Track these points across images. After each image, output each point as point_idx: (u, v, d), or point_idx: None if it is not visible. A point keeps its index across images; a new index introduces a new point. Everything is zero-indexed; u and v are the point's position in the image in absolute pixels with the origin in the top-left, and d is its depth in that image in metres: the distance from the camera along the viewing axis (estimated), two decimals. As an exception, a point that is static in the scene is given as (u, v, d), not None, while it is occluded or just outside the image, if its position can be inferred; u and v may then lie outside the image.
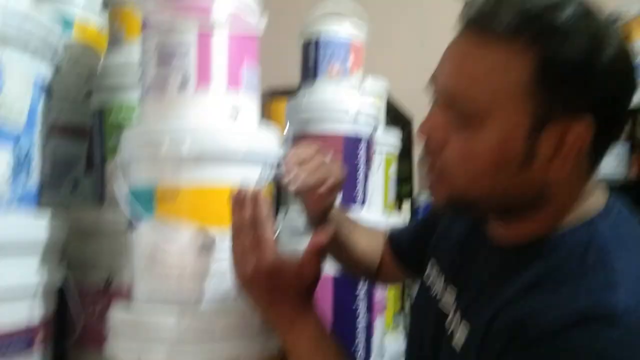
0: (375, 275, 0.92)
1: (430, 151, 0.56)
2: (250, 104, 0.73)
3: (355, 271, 0.96)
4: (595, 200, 0.55)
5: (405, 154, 3.01)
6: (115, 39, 1.02)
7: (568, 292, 0.48)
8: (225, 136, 0.67)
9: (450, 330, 0.60)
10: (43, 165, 0.81)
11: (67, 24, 1.10)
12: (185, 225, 0.66)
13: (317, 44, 1.34)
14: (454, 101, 0.52)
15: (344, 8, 1.35)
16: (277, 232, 0.74)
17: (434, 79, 0.56)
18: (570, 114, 0.49)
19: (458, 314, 0.60)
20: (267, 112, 2.00)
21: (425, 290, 0.72)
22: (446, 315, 0.63)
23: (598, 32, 0.49)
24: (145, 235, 0.67)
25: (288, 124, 1.38)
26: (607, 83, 0.49)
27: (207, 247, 0.67)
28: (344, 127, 1.30)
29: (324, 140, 1.30)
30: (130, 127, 0.72)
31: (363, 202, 1.35)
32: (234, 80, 0.71)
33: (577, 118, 0.49)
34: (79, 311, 0.81)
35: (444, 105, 0.54)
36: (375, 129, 1.40)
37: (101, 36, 1.13)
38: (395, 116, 3.02)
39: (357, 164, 1.33)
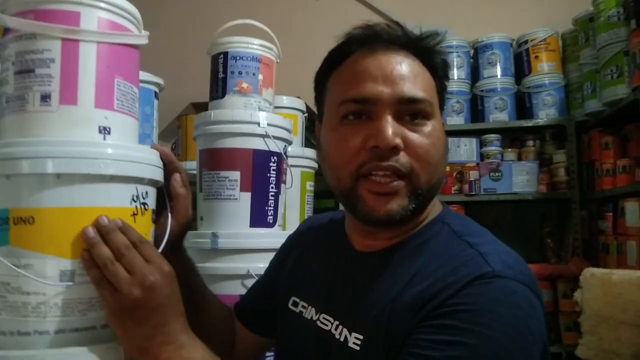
0: (228, 353, 0.85)
1: (393, 155, 0.62)
2: (125, 122, 0.69)
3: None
4: (436, 200, 0.71)
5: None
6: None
7: (449, 268, 0.60)
8: (91, 155, 0.62)
9: (342, 339, 0.66)
10: None
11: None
12: (44, 250, 0.60)
13: (225, 58, 1.31)
14: (414, 102, 0.64)
15: (255, 26, 1.34)
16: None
17: (374, 90, 0.64)
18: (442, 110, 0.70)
19: (344, 330, 0.66)
20: (183, 126, 1.95)
21: (296, 318, 0.74)
22: (328, 331, 0.68)
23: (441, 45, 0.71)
24: (-2, 262, 0.61)
25: (197, 138, 1.34)
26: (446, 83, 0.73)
27: (68, 273, 0.61)
28: (253, 141, 1.28)
29: (233, 155, 1.28)
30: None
31: (275, 217, 1.33)
32: (105, 94, 0.66)
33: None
34: None
35: (395, 113, 0.63)
36: (288, 144, 1.38)
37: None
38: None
39: (268, 179, 1.31)
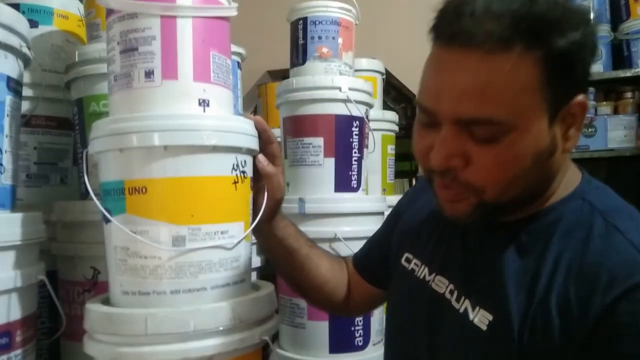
0: (344, 304, 0.87)
1: (450, 173, 0.56)
2: (221, 93, 0.71)
3: (319, 299, 0.88)
4: (573, 170, 0.62)
5: (407, 132, 2.97)
6: (92, 28, 1.00)
7: (600, 265, 0.51)
8: (194, 127, 0.65)
9: (461, 309, 0.61)
10: (16, 159, 0.80)
11: (46, 14, 1.08)
12: (157, 218, 0.65)
13: (304, 23, 1.31)
14: (476, 123, 0.53)
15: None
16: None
17: (434, 103, 0.55)
18: (572, 92, 0.54)
19: (466, 300, 0.61)
20: (263, 94, 1.98)
21: (407, 275, 0.72)
22: (442, 294, 0.64)
23: (577, 18, 0.52)
24: (118, 229, 0.67)
25: (280, 106, 1.37)
26: (589, 58, 0.55)
27: (180, 239, 0.66)
28: (335, 106, 1.28)
29: (316, 121, 1.29)
30: (99, 119, 0.71)
31: (358, 181, 1.33)
32: (202, 68, 0.68)
33: (577, 93, 0.55)
34: (61, 306, 0.81)
35: (457, 127, 0.54)
36: (369, 108, 1.37)
37: (82, 26, 1.11)
38: (398, 95, 2.98)
39: (351, 144, 1.31)
